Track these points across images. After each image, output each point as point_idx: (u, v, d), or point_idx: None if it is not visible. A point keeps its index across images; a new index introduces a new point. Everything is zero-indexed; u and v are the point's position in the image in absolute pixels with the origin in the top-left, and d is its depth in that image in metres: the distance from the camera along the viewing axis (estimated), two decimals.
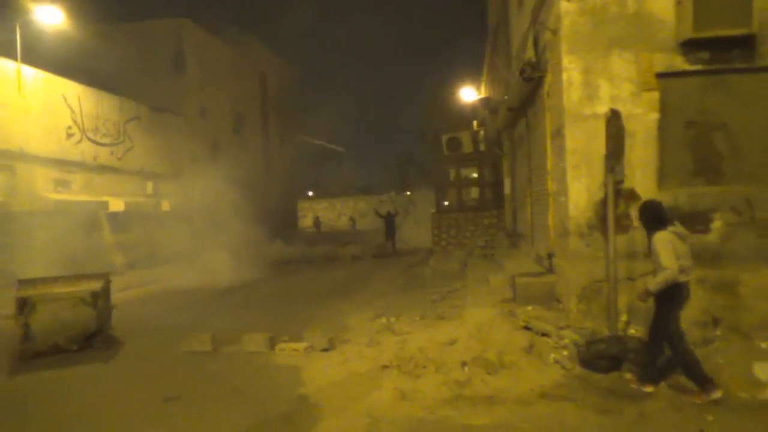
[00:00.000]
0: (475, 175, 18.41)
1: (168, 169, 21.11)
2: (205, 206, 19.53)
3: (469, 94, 20.02)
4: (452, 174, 17.78)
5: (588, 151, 6.95)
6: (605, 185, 6.69)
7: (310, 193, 56.09)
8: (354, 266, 18.16)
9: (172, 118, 22.14)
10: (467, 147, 17.50)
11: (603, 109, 6.88)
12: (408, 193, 42.57)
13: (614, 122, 6.39)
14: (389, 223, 20.30)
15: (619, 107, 6.57)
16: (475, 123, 19.25)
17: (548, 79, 7.99)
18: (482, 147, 17.63)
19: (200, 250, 19.86)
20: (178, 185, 21.10)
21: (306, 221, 51.01)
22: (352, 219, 43.28)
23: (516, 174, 13.19)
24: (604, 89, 6.97)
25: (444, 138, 17.59)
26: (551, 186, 8.09)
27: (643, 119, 6.90)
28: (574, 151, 7.01)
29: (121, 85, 19.34)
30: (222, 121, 26.62)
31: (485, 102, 17.32)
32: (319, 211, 51.93)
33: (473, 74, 25.19)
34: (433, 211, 17.26)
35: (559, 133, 7.40)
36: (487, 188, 17.43)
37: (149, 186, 20.35)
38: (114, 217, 17.73)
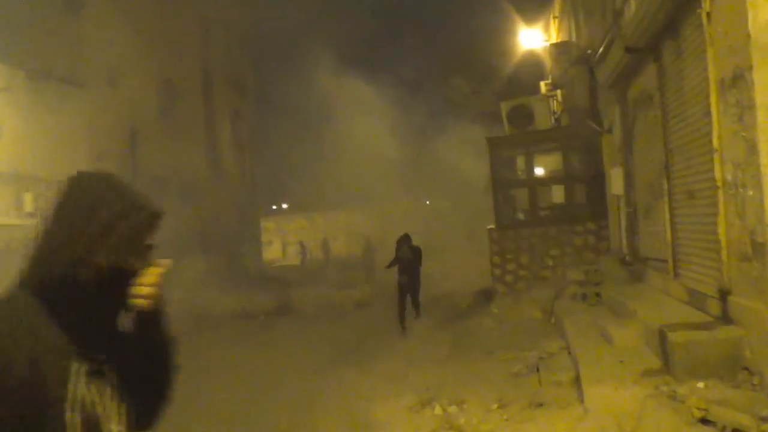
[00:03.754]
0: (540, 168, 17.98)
1: (58, 170, 20.46)
2: None
3: (531, 38, 19.30)
4: (520, 164, 17.10)
5: None
6: None
7: (284, 206, 54.96)
8: (362, 316, 17.55)
9: (65, 90, 21.58)
10: (542, 120, 16.82)
11: None
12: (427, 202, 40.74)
13: None
14: (409, 268, 15.88)
15: None
16: (542, 85, 18.49)
17: None
18: (564, 120, 16.94)
19: None
20: None
21: (273, 250, 49.81)
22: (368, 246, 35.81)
23: (635, 159, 12.55)
24: None
25: (504, 107, 16.90)
26: (721, 172, 7.38)
27: None
28: None
29: None
30: (144, 94, 26.01)
31: (563, 49, 16.68)
32: (291, 234, 50.87)
33: (532, 10, 24.64)
34: (490, 226, 16.63)
35: (738, 81, 6.69)
36: (577, 186, 16.78)
37: (28, 199, 19.72)
38: None
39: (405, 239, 16.14)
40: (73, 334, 1.81)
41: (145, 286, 1.89)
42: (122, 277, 1.87)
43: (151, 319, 1.97)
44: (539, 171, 17.88)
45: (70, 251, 1.81)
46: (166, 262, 1.94)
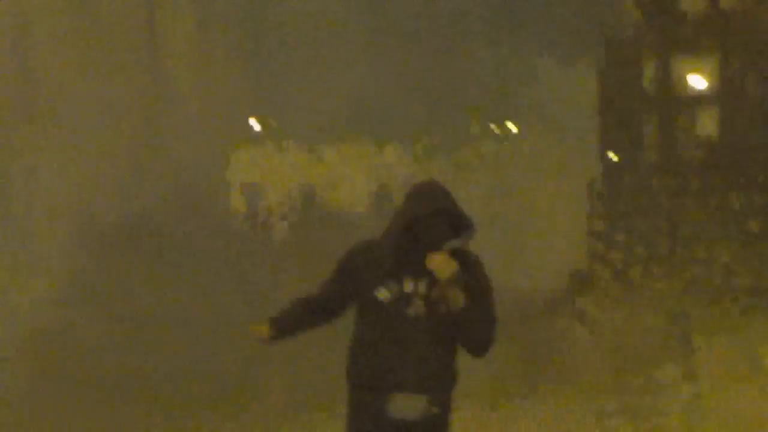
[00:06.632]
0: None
1: None
2: None
3: None
4: (649, 73, 13.41)
5: None
6: None
7: (272, 124, 41.64)
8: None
9: None
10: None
11: None
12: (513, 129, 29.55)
13: None
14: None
15: None
16: None
17: None
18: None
19: None
20: None
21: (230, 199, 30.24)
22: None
23: None
24: None
25: None
26: None
27: None
28: None
29: None
30: None
31: None
32: (279, 174, 32.88)
33: None
34: (592, 179, 12.98)
35: None
36: (744, 111, 12.97)
37: None
38: None
39: (426, 200, 2.58)
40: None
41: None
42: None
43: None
44: (685, 84, 14.09)
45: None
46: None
